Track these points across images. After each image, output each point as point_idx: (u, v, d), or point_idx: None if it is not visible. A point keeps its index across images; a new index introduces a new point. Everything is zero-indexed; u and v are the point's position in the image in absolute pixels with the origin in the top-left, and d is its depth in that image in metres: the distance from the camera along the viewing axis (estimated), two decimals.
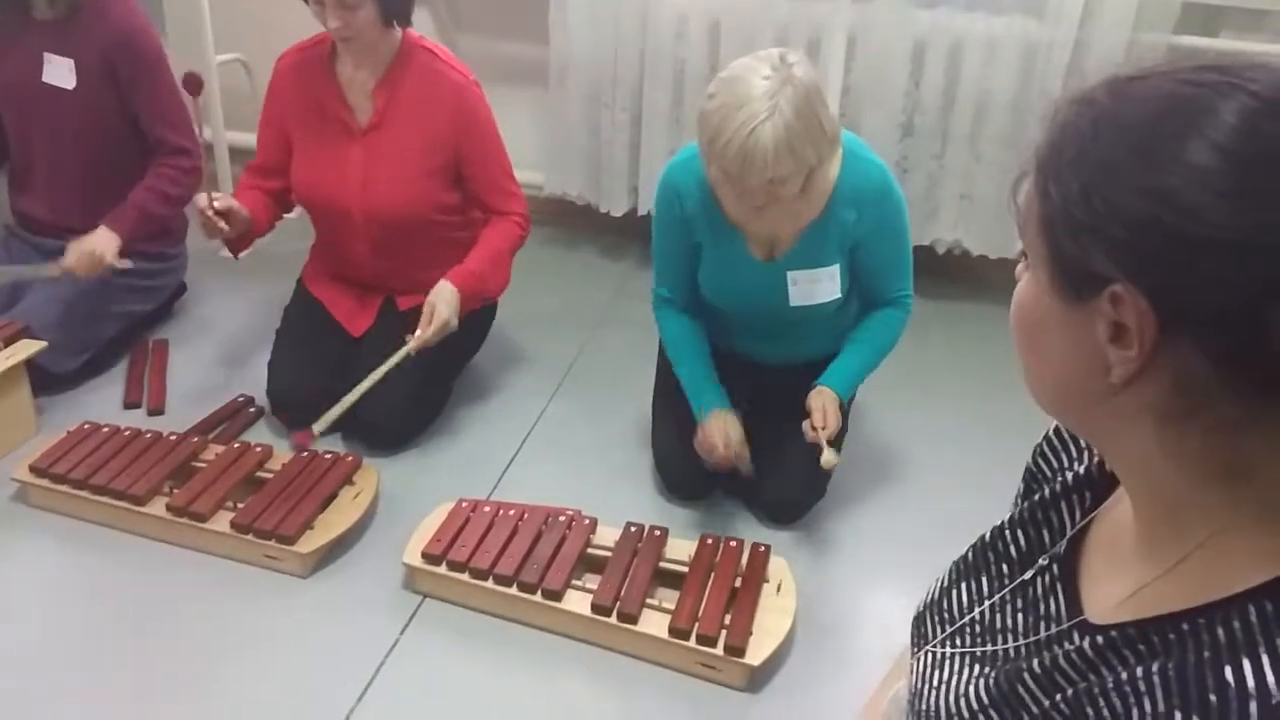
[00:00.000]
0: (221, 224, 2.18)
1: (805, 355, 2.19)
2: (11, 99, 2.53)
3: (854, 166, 1.94)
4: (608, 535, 1.99)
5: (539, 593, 1.85)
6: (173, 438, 2.20)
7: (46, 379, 2.38)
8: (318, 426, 2.09)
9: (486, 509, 2.02)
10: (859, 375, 2.10)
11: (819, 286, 2.01)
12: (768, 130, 1.70)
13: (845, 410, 2.12)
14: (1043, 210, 0.66)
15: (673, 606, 1.81)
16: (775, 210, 1.85)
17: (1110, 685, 0.66)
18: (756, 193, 1.80)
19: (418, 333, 2.15)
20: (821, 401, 2.01)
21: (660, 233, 2.11)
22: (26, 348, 2.25)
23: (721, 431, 2.03)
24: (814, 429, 1.96)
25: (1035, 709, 0.72)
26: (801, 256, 1.99)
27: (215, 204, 2.17)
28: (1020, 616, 0.83)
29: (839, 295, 2.03)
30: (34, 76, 2.46)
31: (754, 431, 2.12)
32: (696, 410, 2.09)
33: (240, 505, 2.01)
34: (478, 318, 2.44)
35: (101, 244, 2.38)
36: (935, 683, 0.85)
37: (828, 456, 1.92)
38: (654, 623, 1.80)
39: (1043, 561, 0.83)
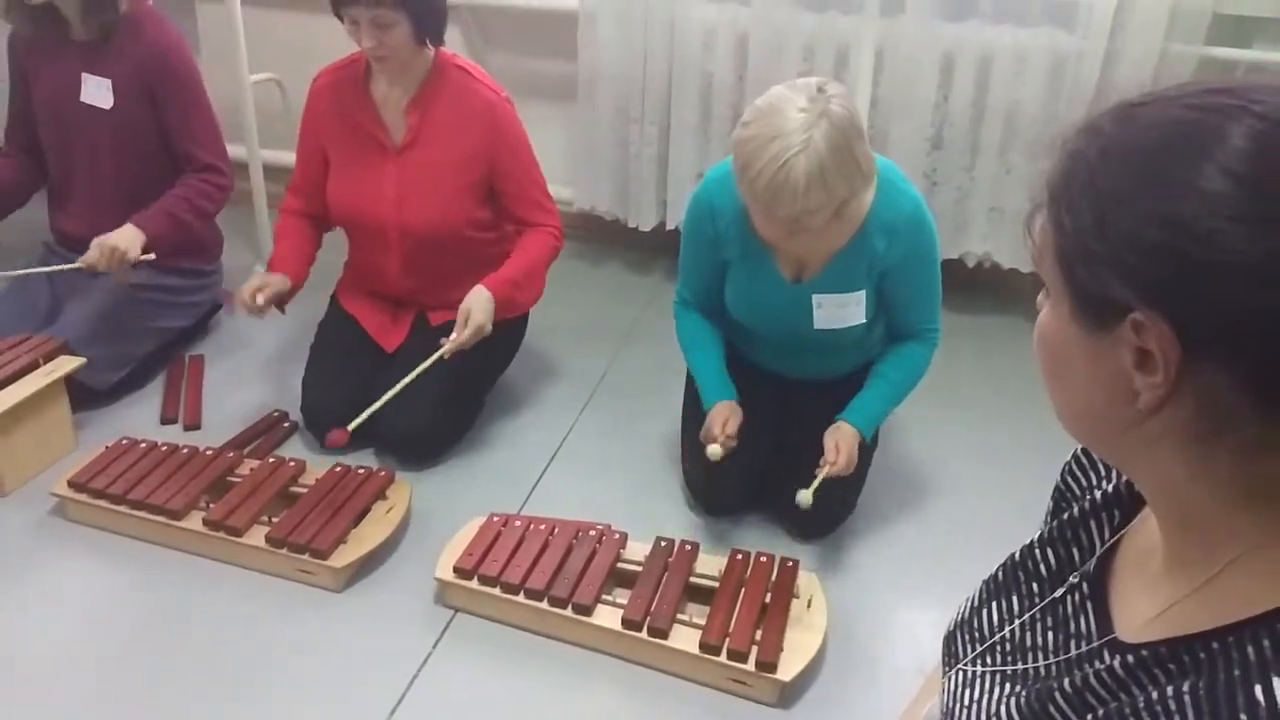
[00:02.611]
0: (270, 312, 2.31)
1: (831, 372, 2.19)
2: (51, 118, 2.58)
3: (888, 196, 1.93)
4: (638, 550, 1.99)
5: (570, 607, 1.86)
6: (209, 453, 2.23)
7: (85, 394, 2.42)
8: (352, 425, 2.11)
9: (517, 523, 2.03)
10: (882, 412, 2.10)
11: (845, 311, 2.01)
12: (800, 164, 1.70)
13: (874, 433, 2.12)
14: (1058, 241, 0.67)
15: (703, 622, 1.81)
16: (804, 235, 1.85)
17: (1141, 704, 0.66)
18: (785, 221, 1.80)
19: (453, 336, 2.17)
20: (835, 439, 2.00)
21: (688, 247, 2.12)
22: (66, 364, 2.29)
23: (722, 417, 2.03)
24: (823, 464, 1.96)
25: None
26: (829, 281, 1.99)
27: (260, 299, 2.26)
28: (1051, 635, 0.83)
29: (864, 320, 2.03)
30: (72, 96, 2.51)
31: (781, 447, 2.12)
32: (706, 401, 2.10)
33: (275, 520, 2.04)
34: (509, 331, 2.46)
35: (125, 240, 2.41)
36: (966, 701, 0.85)
37: (803, 496, 1.89)
38: (685, 638, 1.80)
39: (1073, 580, 0.84)
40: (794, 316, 2.04)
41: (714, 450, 2.00)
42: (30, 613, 1.92)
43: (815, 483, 1.91)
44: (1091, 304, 0.65)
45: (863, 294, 2.00)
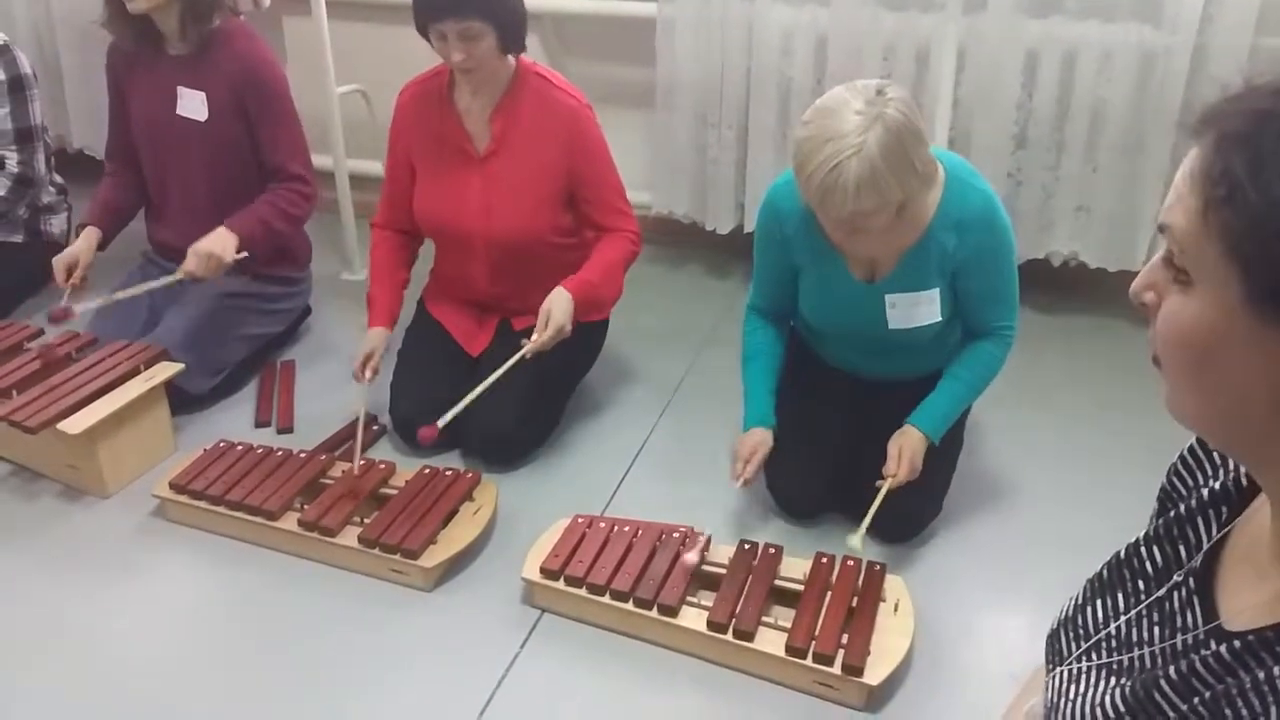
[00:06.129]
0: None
1: (909, 372, 2.18)
2: (147, 131, 2.67)
3: (957, 192, 1.92)
4: (722, 552, 2.00)
5: (655, 609, 1.87)
6: (302, 455, 2.29)
7: (183, 399, 2.50)
8: (441, 422, 2.14)
9: (602, 525, 2.06)
10: (951, 413, 2.07)
11: (918, 310, 1.99)
12: (851, 167, 1.69)
13: (959, 431, 2.10)
14: (1234, 222, 0.62)
15: (789, 624, 1.81)
16: (864, 236, 1.85)
17: (1249, 685, 0.66)
18: (841, 223, 1.80)
19: (534, 337, 2.20)
20: (900, 445, 1.99)
21: (760, 251, 2.13)
22: (165, 370, 2.37)
23: (752, 447, 2.07)
24: (884, 478, 1.96)
25: (1172, 714, 0.73)
26: (901, 280, 1.98)
27: (369, 373, 2.35)
28: (1156, 629, 0.83)
29: (939, 319, 2.01)
30: (168, 109, 2.60)
31: (859, 447, 2.12)
32: (745, 420, 2.14)
33: (367, 521, 2.08)
34: (590, 336, 2.48)
35: (219, 245, 2.47)
36: (1071, 695, 0.85)
37: (853, 541, 1.87)
38: (770, 640, 1.80)
39: (1178, 577, 0.83)
40: (868, 317, 2.03)
41: (740, 483, 2.06)
42: (133, 609, 1.99)
43: (866, 520, 1.90)
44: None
45: (935, 292, 1.99)
